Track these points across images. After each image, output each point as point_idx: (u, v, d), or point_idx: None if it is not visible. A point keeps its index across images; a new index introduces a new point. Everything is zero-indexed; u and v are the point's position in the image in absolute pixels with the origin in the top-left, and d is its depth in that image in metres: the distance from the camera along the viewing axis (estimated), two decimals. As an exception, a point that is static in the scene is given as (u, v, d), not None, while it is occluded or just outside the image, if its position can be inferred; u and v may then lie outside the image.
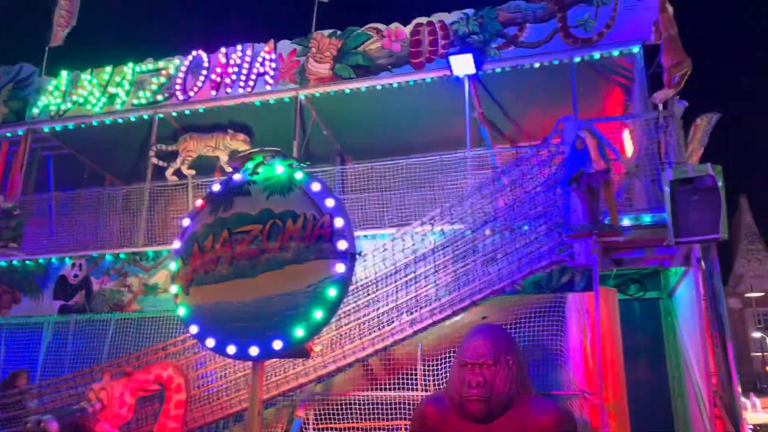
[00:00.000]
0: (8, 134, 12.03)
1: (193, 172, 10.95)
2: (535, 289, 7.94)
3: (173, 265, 4.33)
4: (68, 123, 11.73)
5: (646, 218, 7.45)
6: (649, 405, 8.58)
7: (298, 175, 4.09)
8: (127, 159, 12.36)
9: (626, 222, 7.35)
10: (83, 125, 11.69)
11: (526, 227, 7.50)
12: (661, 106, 8.05)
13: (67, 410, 6.79)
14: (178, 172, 11.00)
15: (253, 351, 3.74)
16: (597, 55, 9.39)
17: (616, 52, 9.28)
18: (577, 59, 9.44)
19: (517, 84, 10.21)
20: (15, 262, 10.60)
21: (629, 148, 9.42)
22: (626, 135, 9.57)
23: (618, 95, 10.50)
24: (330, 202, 3.87)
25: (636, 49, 9.11)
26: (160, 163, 11.15)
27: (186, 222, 4.38)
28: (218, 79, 10.99)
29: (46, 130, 11.92)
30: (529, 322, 7.74)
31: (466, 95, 9.74)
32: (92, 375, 8.17)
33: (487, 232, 7.76)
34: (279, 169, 4.14)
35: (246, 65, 10.92)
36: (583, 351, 7.31)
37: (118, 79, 11.64)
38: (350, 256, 3.82)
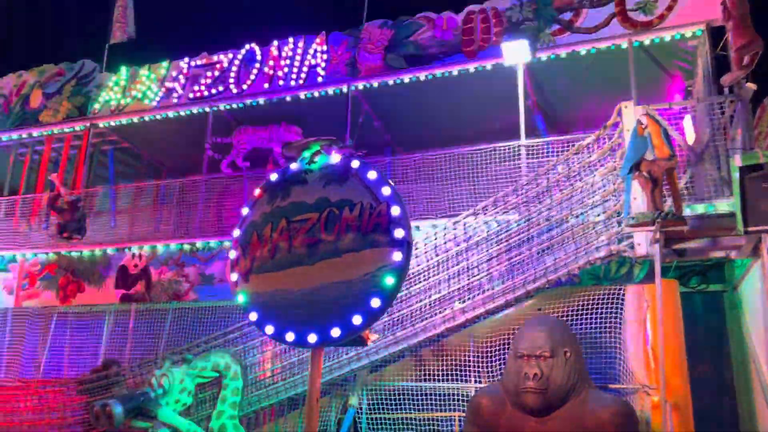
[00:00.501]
0: (71, 129, 12.48)
1: (247, 164, 11.12)
2: (592, 280, 7.75)
3: (232, 254, 4.38)
4: (127, 118, 12.09)
5: (712, 207, 7.15)
6: (713, 401, 8.27)
7: (355, 164, 4.07)
8: (184, 152, 12.67)
9: (690, 211, 7.07)
10: (141, 120, 12.03)
11: (583, 216, 7.31)
12: (727, 90, 7.70)
13: (131, 395, 7.02)
14: (232, 165, 11.19)
15: (312, 338, 3.75)
16: (657, 38, 9.05)
17: (678, 35, 8.92)
18: (636, 44, 9.12)
19: (573, 71, 9.96)
20: (79, 253, 11.01)
21: (691, 135, 9.07)
22: (688, 121, 9.21)
23: (679, 79, 10.11)
24: (386, 191, 3.83)
25: (699, 32, 8.74)
26: (216, 156, 11.36)
27: (245, 211, 4.44)
28: (271, 72, 11.12)
29: (106, 124, 12.31)
30: (586, 314, 7.55)
31: (520, 83, 9.55)
32: (155, 361, 8.41)
33: (543, 221, 7.61)
34: (335, 157, 4.12)
35: (298, 58, 11.02)
36: (643, 344, 7.09)
37: (174, 73, 11.93)
38: (407, 245, 3.78)
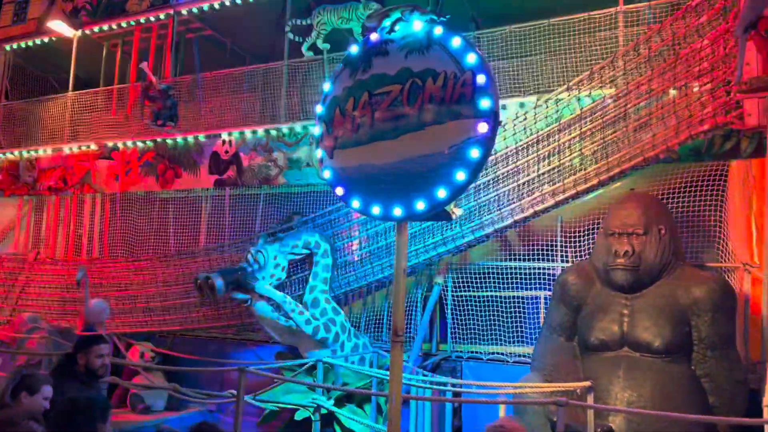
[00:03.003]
0: (156, 18, 12.59)
1: (327, 45, 10.90)
2: (692, 157, 7.28)
3: (317, 130, 4.36)
4: (207, 3, 12.00)
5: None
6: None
7: (438, 31, 3.82)
8: (265, 37, 12.53)
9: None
10: (222, 4, 11.91)
11: (688, 87, 6.74)
12: None
13: (230, 269, 7.48)
14: (313, 47, 11.01)
15: (397, 211, 3.71)
16: None
17: None
18: None
19: None
20: (173, 140, 11.47)
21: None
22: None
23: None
24: (472, 58, 3.58)
25: None
26: (296, 39, 11.19)
27: (326, 86, 4.33)
28: (348, -55, 10.56)
29: (188, 12, 12.30)
30: (685, 193, 7.19)
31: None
32: (249, 240, 8.84)
33: (642, 95, 7.08)
34: (417, 25, 3.88)
35: (375, -75, 10.36)
36: (746, 222, 6.71)
37: (251, -47, 11.60)
38: (494, 115, 3.56)
